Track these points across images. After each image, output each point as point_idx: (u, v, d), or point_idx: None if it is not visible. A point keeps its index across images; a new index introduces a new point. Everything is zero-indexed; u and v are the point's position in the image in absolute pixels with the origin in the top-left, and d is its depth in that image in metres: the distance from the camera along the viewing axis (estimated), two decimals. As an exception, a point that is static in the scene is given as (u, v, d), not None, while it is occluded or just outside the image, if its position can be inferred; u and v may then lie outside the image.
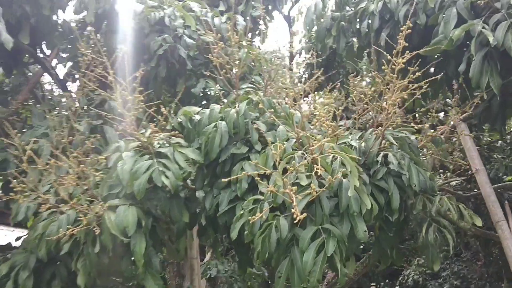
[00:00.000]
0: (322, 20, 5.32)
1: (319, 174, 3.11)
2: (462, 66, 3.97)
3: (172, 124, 4.16)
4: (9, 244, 4.99)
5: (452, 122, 5.74)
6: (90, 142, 4.46)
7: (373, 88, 3.82)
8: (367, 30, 4.77)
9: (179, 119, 4.12)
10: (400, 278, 12.58)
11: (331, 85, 3.98)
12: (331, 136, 3.58)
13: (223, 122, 3.88)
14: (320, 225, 3.21)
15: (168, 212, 3.99)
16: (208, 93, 6.32)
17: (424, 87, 3.84)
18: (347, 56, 5.41)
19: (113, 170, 3.84)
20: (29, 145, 4.48)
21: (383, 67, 3.68)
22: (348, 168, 3.20)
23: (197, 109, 4.18)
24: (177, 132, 4.01)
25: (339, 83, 4.24)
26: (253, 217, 3.15)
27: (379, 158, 3.74)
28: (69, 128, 4.75)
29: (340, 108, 3.92)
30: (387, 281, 14.74)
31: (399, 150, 3.91)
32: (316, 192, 3.12)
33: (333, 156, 3.33)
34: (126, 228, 3.58)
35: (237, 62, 4.28)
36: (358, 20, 5.01)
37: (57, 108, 5.17)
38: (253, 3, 7.29)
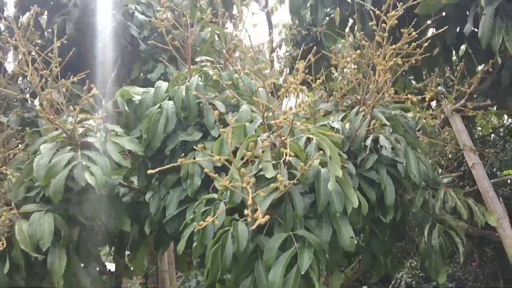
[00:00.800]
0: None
1: (287, 161, 2.28)
2: (468, 26, 3.19)
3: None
4: None
5: (443, 114, 5.05)
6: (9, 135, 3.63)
7: (358, 51, 3.02)
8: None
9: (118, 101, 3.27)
10: (393, 282, 11.92)
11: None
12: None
13: (170, 102, 3.05)
14: (292, 231, 2.39)
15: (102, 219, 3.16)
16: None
17: (419, 53, 3.08)
18: (327, 29, 4.61)
19: (30, 167, 2.99)
20: None
21: (370, 23, 2.88)
22: (327, 153, 2.37)
23: (140, 89, 3.34)
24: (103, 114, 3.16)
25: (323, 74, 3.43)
26: (202, 222, 2.31)
27: (368, 143, 2.94)
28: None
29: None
30: (379, 284, 14.05)
31: (392, 132, 3.12)
32: (285, 186, 2.30)
33: (308, 138, 2.51)
34: (40, 241, 2.74)
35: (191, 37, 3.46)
36: (339, -16, 4.24)
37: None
38: (221, -19, 6.45)
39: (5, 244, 2.76)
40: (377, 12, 2.88)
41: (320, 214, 2.47)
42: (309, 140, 2.49)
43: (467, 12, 3.46)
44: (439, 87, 5.99)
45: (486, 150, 8.74)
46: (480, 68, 3.94)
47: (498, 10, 2.96)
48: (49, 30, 5.43)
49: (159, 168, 2.23)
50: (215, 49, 4.98)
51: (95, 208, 3.11)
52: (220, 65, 3.45)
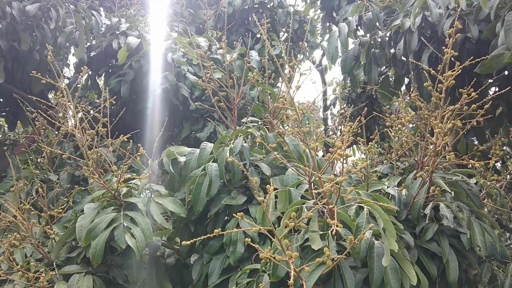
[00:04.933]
0: (349, 48, 4.45)
1: (334, 232, 2.08)
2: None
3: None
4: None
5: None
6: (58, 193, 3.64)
7: (412, 113, 2.84)
8: (403, 53, 3.84)
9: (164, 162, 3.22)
10: None
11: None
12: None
13: (214, 164, 2.95)
14: (342, 310, 2.15)
15: (143, 283, 3.03)
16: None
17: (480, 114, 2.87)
18: (381, 88, 4.45)
19: (73, 227, 2.95)
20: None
21: (425, 84, 2.71)
22: (380, 224, 2.16)
23: (187, 149, 3.28)
24: (147, 174, 3.08)
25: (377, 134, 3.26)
26: (242, 296, 2.12)
27: (427, 211, 2.69)
28: (38, 179, 3.93)
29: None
30: None
31: (454, 200, 2.86)
32: (333, 260, 2.09)
33: (359, 206, 2.30)
34: (78, 306, 2.63)
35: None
36: (392, 43, 4.11)
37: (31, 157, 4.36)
38: (273, 42, 6.52)
39: (43, 308, 2.68)
40: (433, 72, 2.71)
41: (374, 291, 2.23)
42: (360, 208, 2.29)
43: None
44: (504, 147, 5.62)
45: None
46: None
47: None
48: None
49: (199, 238, 2.08)
50: (266, 108, 4.94)
51: (136, 270, 2.99)
52: (267, 126, 3.36)
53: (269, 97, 4.89)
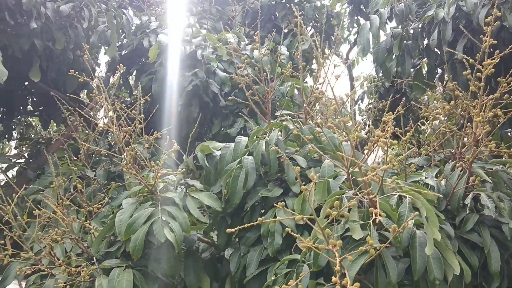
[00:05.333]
0: (381, 40, 4.40)
1: (377, 221, 2.07)
2: None
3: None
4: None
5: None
6: (95, 189, 3.71)
7: (452, 102, 2.80)
8: (437, 44, 3.78)
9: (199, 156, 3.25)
10: None
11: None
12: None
13: (250, 157, 2.97)
14: (385, 300, 2.14)
15: (181, 276, 3.07)
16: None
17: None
18: (414, 80, 4.40)
19: (112, 222, 3.00)
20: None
21: (464, 73, 2.66)
22: (423, 213, 2.14)
23: (220, 144, 3.31)
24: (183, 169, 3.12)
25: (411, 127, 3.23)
26: (284, 286, 2.13)
27: (468, 201, 2.66)
28: (76, 175, 4.01)
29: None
30: None
31: (494, 190, 2.81)
32: (376, 250, 2.08)
33: (400, 196, 2.29)
34: (118, 299, 2.68)
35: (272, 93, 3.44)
36: (425, 34, 4.05)
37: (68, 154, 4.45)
38: (302, 36, 6.49)
39: (85, 301, 2.74)
40: (471, 61, 2.67)
41: (417, 281, 2.21)
42: (401, 198, 2.27)
43: None
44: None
45: None
46: None
47: None
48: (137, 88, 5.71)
49: (238, 227, 2.10)
50: (295, 103, 4.93)
51: (174, 264, 3.03)
52: (301, 119, 3.36)
53: (300, 92, 4.91)
